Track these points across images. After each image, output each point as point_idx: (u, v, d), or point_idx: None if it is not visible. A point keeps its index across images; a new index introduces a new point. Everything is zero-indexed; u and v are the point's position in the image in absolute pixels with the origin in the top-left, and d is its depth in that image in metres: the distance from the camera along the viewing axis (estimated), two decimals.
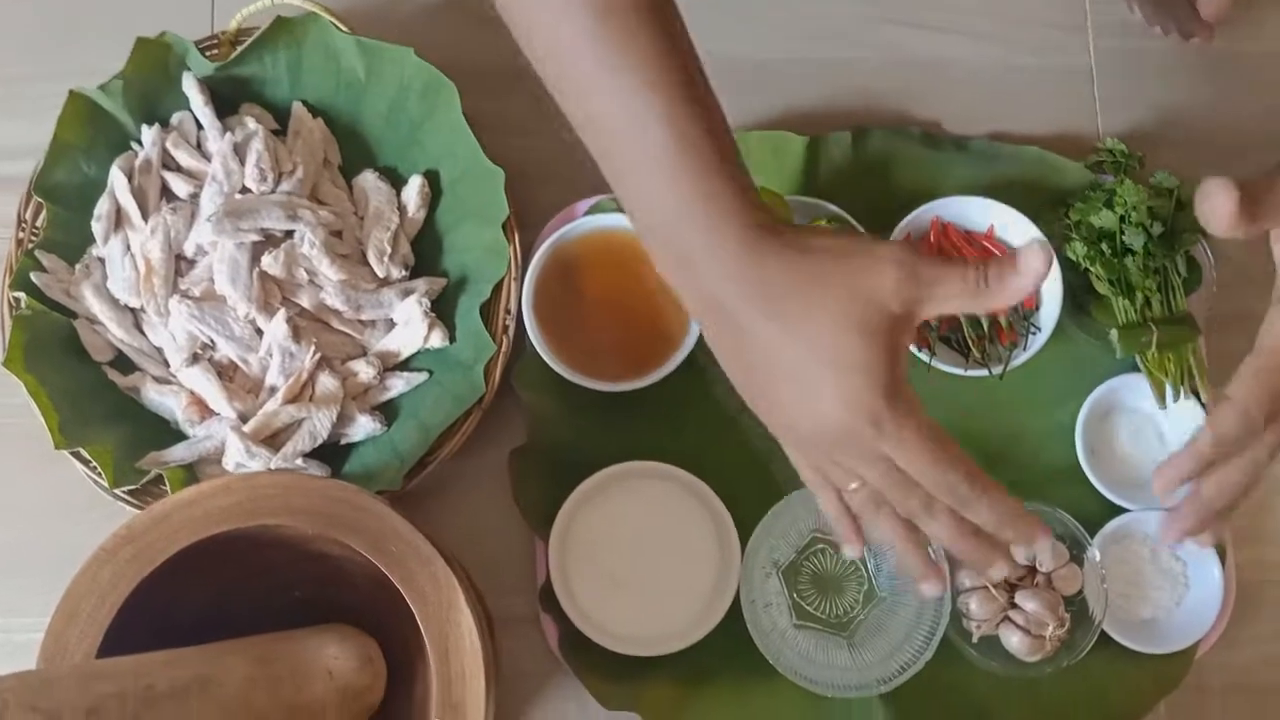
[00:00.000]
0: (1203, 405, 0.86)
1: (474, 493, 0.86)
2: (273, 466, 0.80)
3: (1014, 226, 0.87)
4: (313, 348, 0.82)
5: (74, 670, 0.59)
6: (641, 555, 0.83)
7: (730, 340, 0.53)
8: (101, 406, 0.83)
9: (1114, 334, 0.84)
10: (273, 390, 0.82)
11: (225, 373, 0.84)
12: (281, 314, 0.82)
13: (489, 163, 0.84)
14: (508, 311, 0.84)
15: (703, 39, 0.94)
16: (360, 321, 0.85)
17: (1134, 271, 0.85)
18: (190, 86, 0.86)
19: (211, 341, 0.83)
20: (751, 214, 0.51)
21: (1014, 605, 0.81)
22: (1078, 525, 0.82)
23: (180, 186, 0.85)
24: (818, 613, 0.84)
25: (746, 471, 0.84)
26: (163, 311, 0.83)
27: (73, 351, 0.84)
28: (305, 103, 0.88)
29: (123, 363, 0.85)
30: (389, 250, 0.85)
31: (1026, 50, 0.96)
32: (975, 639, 0.82)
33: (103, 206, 0.85)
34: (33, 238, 0.85)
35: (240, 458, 0.80)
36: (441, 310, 0.85)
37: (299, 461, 0.81)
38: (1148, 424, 0.88)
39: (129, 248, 0.85)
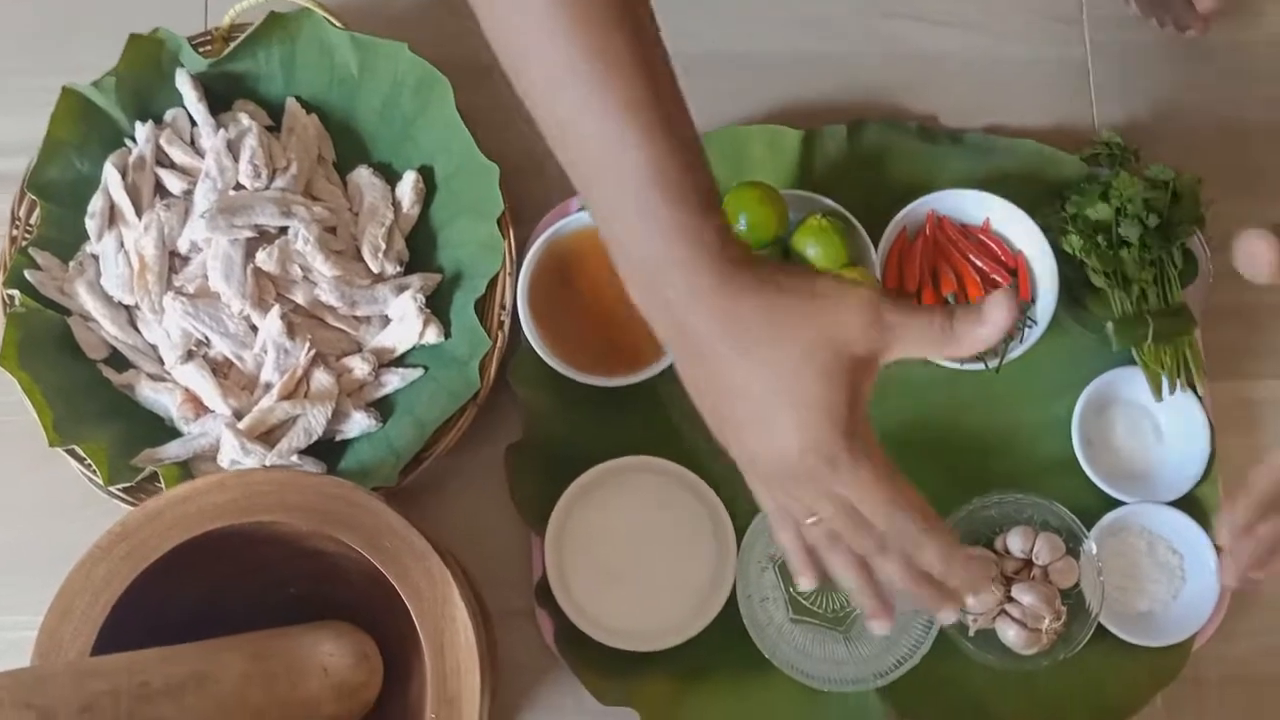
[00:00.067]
0: (1199, 397, 0.86)
1: (470, 489, 0.86)
2: (268, 463, 0.80)
3: (1010, 219, 0.87)
4: (307, 344, 0.82)
5: (68, 667, 0.59)
6: (637, 550, 0.83)
7: (699, 370, 0.54)
8: (96, 404, 0.83)
9: (1110, 326, 0.84)
10: (268, 387, 0.82)
11: (220, 369, 0.84)
12: (276, 310, 0.82)
13: (483, 158, 0.84)
14: (503, 307, 0.84)
15: (698, 33, 0.95)
16: (355, 318, 0.85)
17: (1130, 264, 0.85)
18: (184, 83, 0.86)
19: (206, 338, 0.83)
20: (726, 248, 0.51)
21: (1010, 599, 0.81)
22: (1074, 518, 0.82)
23: (174, 183, 0.85)
24: (814, 607, 0.84)
25: None
26: (157, 308, 0.83)
27: (67, 349, 0.84)
28: (299, 98, 0.88)
29: (117, 360, 0.85)
30: (384, 246, 0.85)
31: (1022, 43, 0.96)
32: (972, 632, 0.82)
33: (96, 203, 0.85)
34: (26, 235, 0.85)
35: (235, 454, 0.80)
36: (436, 306, 0.85)
37: (294, 458, 0.81)
38: (1144, 417, 0.88)
39: (123, 245, 0.84)
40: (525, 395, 0.85)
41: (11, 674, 0.53)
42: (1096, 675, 0.83)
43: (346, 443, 0.84)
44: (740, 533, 0.82)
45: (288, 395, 0.82)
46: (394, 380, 0.84)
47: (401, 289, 0.85)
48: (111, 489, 0.80)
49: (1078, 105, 0.95)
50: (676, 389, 0.84)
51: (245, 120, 0.86)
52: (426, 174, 0.87)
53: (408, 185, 0.87)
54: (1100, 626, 0.81)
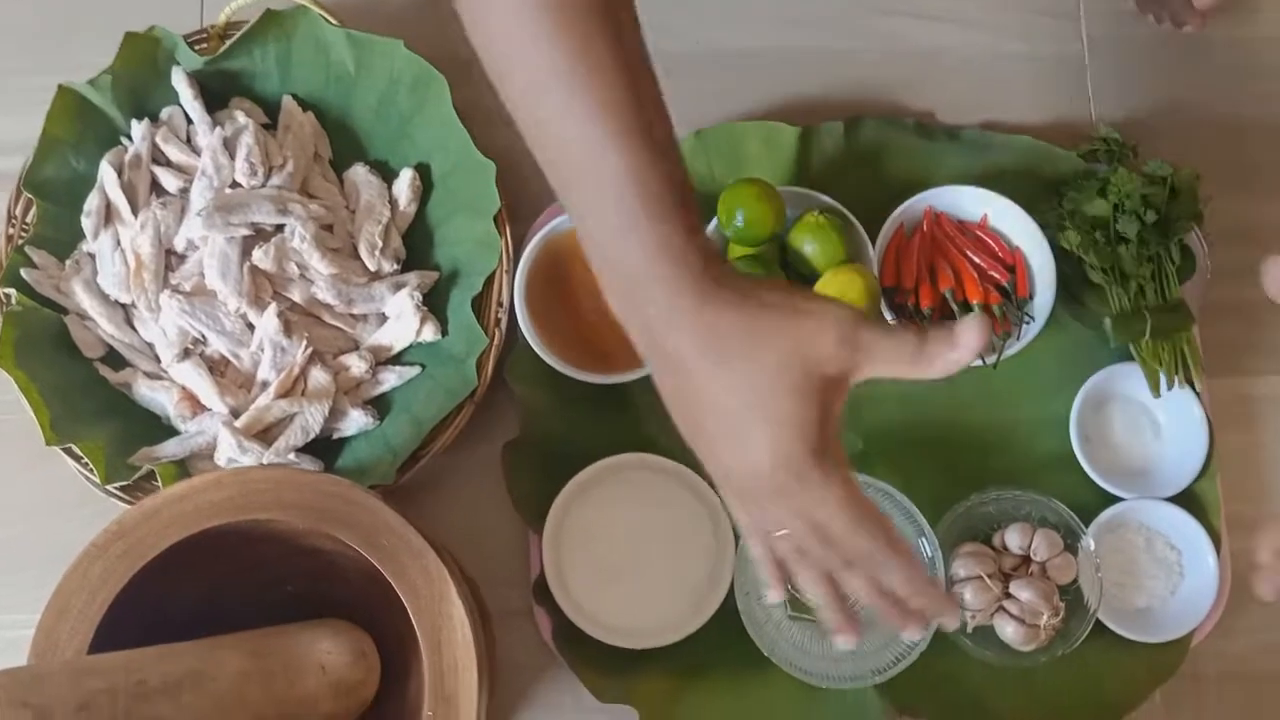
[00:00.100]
0: (1197, 394, 0.85)
1: (467, 486, 0.86)
2: (265, 461, 0.80)
3: (1007, 216, 0.87)
4: (304, 342, 0.82)
5: (65, 666, 0.59)
6: (635, 547, 0.83)
7: (675, 382, 0.54)
8: (93, 403, 0.83)
9: (1108, 323, 0.84)
10: (264, 385, 0.82)
11: (217, 368, 0.84)
12: (272, 308, 0.82)
13: (480, 155, 0.84)
14: (500, 304, 0.84)
15: (695, 29, 0.95)
16: (352, 315, 0.85)
17: (1128, 260, 0.85)
18: (179, 81, 0.86)
19: (202, 336, 0.83)
20: (708, 265, 0.52)
21: (1009, 595, 0.81)
22: (1072, 514, 0.82)
23: (170, 181, 0.85)
24: (812, 603, 0.84)
25: None
26: (153, 307, 0.83)
27: (64, 347, 0.84)
28: (295, 96, 0.88)
29: (114, 358, 0.85)
30: (380, 244, 0.85)
31: (1019, 39, 0.96)
32: (970, 629, 0.81)
33: (92, 202, 0.85)
34: (23, 234, 0.85)
35: (232, 453, 0.80)
36: (433, 304, 0.85)
37: (291, 456, 0.81)
38: (1142, 413, 0.88)
39: (119, 243, 0.84)
40: (522, 393, 0.85)
41: (8, 673, 0.53)
42: (1095, 671, 0.83)
43: (344, 441, 0.84)
44: (738, 529, 0.82)
45: (285, 393, 0.82)
46: (391, 378, 0.84)
47: (398, 287, 0.84)
48: (109, 488, 0.80)
49: (1075, 101, 0.95)
50: None
51: (241, 118, 0.86)
52: (423, 171, 0.87)
53: (404, 183, 0.87)
54: (1098, 623, 0.81)
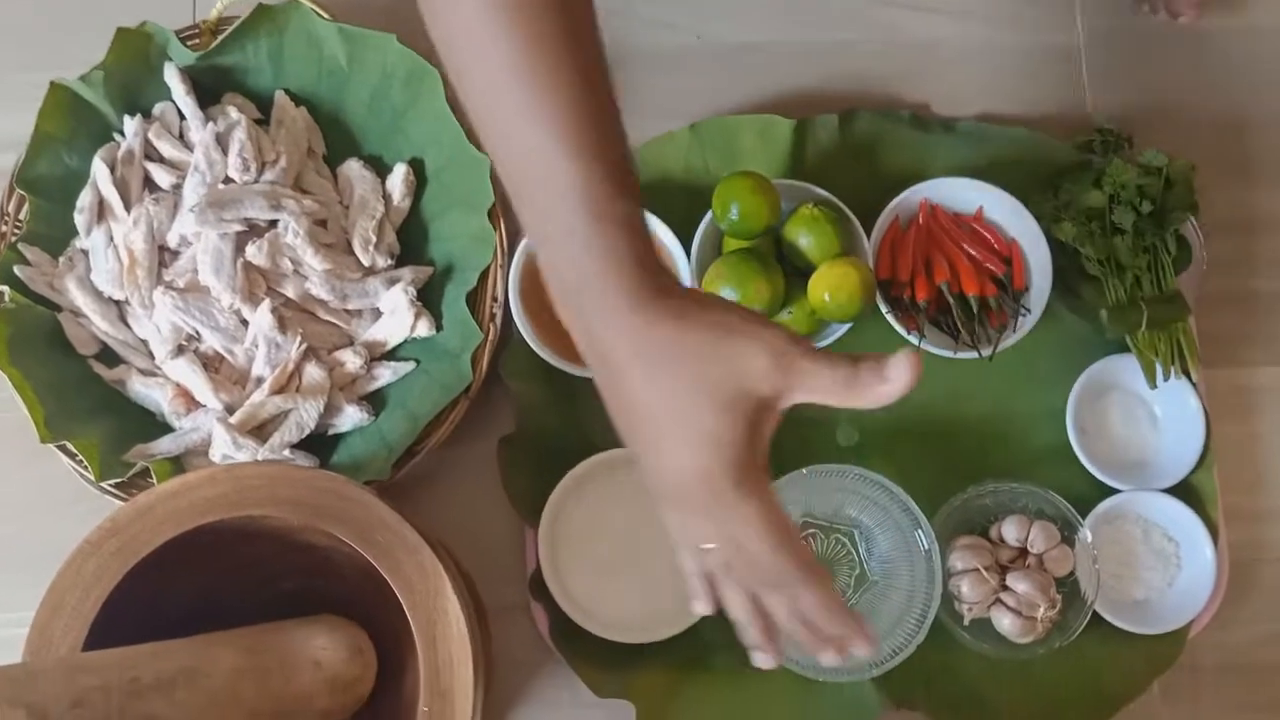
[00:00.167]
0: (1193, 384, 0.85)
1: (463, 482, 0.86)
2: (260, 458, 0.80)
3: (1003, 207, 0.87)
4: (299, 338, 0.82)
5: (59, 664, 0.58)
6: (631, 542, 0.83)
7: (613, 389, 0.55)
8: (87, 400, 0.82)
9: (1104, 314, 0.84)
10: (259, 381, 0.82)
11: (211, 364, 0.83)
12: (266, 304, 0.82)
13: (474, 150, 0.84)
14: (494, 299, 0.84)
15: (692, 22, 0.95)
16: (346, 311, 0.85)
17: (1123, 251, 0.85)
18: (172, 76, 0.86)
19: (196, 333, 0.83)
20: (646, 273, 0.52)
21: (1006, 587, 0.81)
22: (1069, 506, 0.82)
23: (163, 177, 0.85)
24: None
25: None
26: (147, 303, 0.83)
27: (57, 345, 0.83)
28: (288, 91, 0.88)
29: (108, 355, 0.85)
30: (374, 239, 0.85)
31: (1015, 30, 0.96)
32: (967, 621, 0.81)
33: (85, 198, 0.84)
34: (15, 231, 0.85)
35: (227, 449, 0.79)
36: (428, 299, 0.85)
37: (286, 452, 0.81)
38: (1139, 404, 0.88)
39: (112, 239, 0.84)
40: (517, 388, 0.85)
41: (2, 670, 0.53)
42: (1092, 663, 0.83)
43: (339, 437, 0.84)
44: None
45: (279, 389, 0.81)
46: (386, 374, 0.84)
47: (393, 282, 0.84)
48: (103, 485, 0.80)
49: (1071, 92, 0.95)
50: None
51: (234, 113, 0.85)
52: (417, 166, 0.87)
53: (398, 178, 0.86)
54: (1096, 614, 0.81)
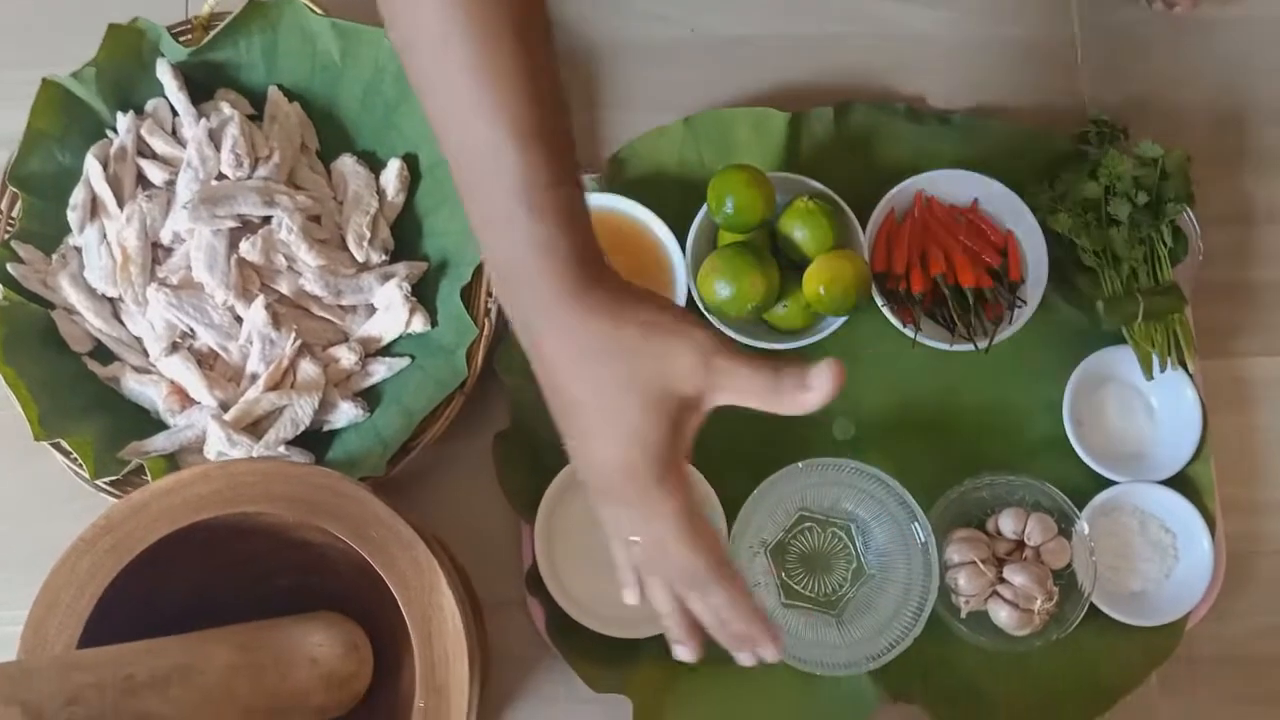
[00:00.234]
0: (1190, 376, 0.85)
1: (459, 478, 0.86)
2: (255, 454, 0.79)
3: (999, 199, 0.87)
4: (293, 334, 0.82)
5: (54, 661, 0.58)
6: None
7: (546, 379, 0.56)
8: (81, 397, 0.82)
9: (1100, 305, 0.84)
10: (254, 378, 0.82)
11: (205, 361, 0.83)
12: (260, 300, 0.81)
13: None
14: (489, 295, 0.84)
15: (685, 14, 0.94)
16: (341, 307, 0.85)
17: (1119, 242, 0.84)
18: (164, 72, 0.85)
19: (191, 330, 0.82)
20: (582, 266, 0.53)
21: (1002, 580, 0.81)
22: (1065, 499, 0.82)
23: (156, 174, 0.85)
24: (806, 591, 0.84)
25: (732, 451, 0.84)
26: (141, 300, 0.82)
27: (51, 342, 0.83)
28: (281, 87, 0.88)
29: (102, 353, 0.84)
30: (368, 235, 0.84)
31: (1010, 22, 0.96)
32: (964, 614, 0.81)
33: (78, 195, 0.84)
34: (8, 228, 0.85)
35: (222, 446, 0.79)
36: (422, 294, 0.85)
37: (281, 449, 0.81)
38: (1135, 396, 0.87)
39: (105, 236, 0.84)
40: (513, 383, 0.85)
41: None
42: (1090, 655, 0.83)
43: (334, 433, 0.84)
44: (730, 519, 0.81)
45: (274, 386, 0.81)
46: (381, 370, 0.84)
47: (387, 278, 0.84)
48: (98, 482, 0.80)
49: (1066, 84, 0.95)
50: None
51: (227, 109, 0.85)
52: (411, 162, 0.87)
53: (392, 173, 0.86)
54: (1093, 606, 0.81)
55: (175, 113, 0.86)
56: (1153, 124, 0.91)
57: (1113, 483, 0.84)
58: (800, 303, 0.83)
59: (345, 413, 0.82)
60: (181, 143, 0.85)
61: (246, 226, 0.83)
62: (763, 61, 0.94)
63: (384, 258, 0.85)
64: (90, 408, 0.82)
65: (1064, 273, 0.87)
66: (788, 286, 0.83)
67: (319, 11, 0.85)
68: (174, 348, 0.82)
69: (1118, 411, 0.87)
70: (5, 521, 0.85)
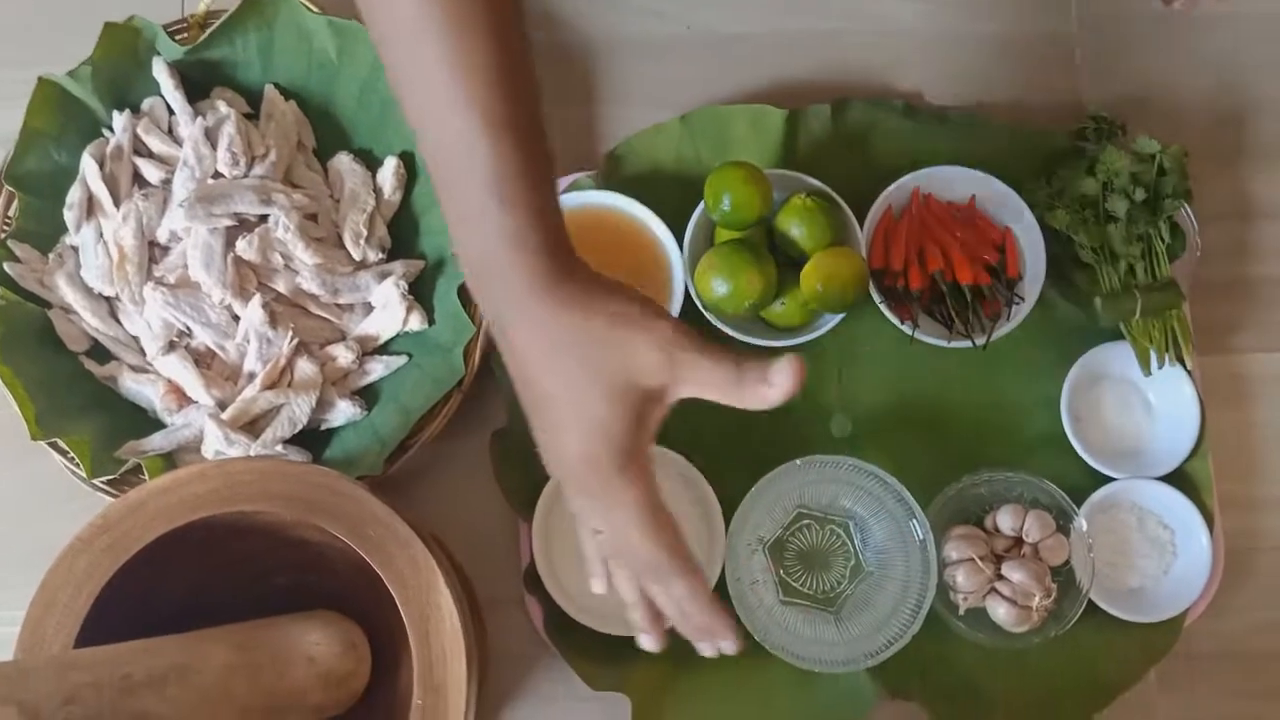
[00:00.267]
0: (1188, 372, 0.85)
1: (456, 476, 0.86)
2: (252, 453, 0.79)
3: (996, 196, 0.87)
4: (290, 333, 0.81)
5: (51, 661, 0.58)
6: None
7: (516, 370, 0.56)
8: (78, 397, 0.82)
9: (1098, 302, 0.84)
10: (251, 377, 0.82)
11: (203, 360, 0.83)
12: (257, 299, 0.81)
13: None
14: None
15: (681, 11, 0.94)
16: (338, 305, 0.85)
17: (1117, 239, 0.84)
18: (160, 71, 0.85)
19: (187, 329, 0.82)
20: (552, 259, 0.53)
21: (1001, 577, 0.81)
22: (1064, 495, 0.82)
23: (152, 172, 0.84)
24: (804, 589, 0.84)
25: (729, 448, 0.84)
26: (137, 299, 0.82)
27: (48, 342, 0.83)
28: (277, 85, 0.87)
29: (99, 352, 0.84)
30: (365, 233, 0.84)
31: (1008, 18, 0.96)
32: (962, 611, 0.81)
33: (74, 194, 0.84)
34: (5, 227, 0.84)
35: (219, 445, 0.79)
36: (420, 293, 0.85)
37: (279, 448, 0.80)
38: (1133, 392, 0.87)
39: (101, 235, 0.84)
40: (509, 381, 0.84)
41: None
42: (1088, 652, 0.83)
43: (331, 432, 0.84)
44: (728, 516, 0.81)
45: (271, 385, 0.81)
46: (378, 368, 0.83)
47: (384, 276, 0.84)
48: (95, 482, 0.80)
49: (1064, 80, 0.94)
50: None
51: (223, 108, 0.85)
52: (408, 160, 0.87)
53: (389, 171, 0.86)
54: (1091, 603, 0.81)
55: (171, 111, 0.86)
56: (1150, 120, 0.91)
57: (1111, 479, 0.84)
58: (798, 300, 0.83)
59: (343, 411, 0.82)
60: (178, 141, 0.85)
61: (243, 225, 0.83)
62: (760, 58, 0.94)
63: (381, 256, 0.85)
64: (87, 407, 0.82)
65: (1062, 269, 0.87)
66: (785, 284, 0.83)
67: (315, 9, 0.85)
68: (171, 347, 0.82)
69: (1116, 408, 0.87)
70: (2, 521, 0.85)
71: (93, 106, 0.85)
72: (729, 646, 0.59)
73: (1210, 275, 0.89)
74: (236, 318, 0.83)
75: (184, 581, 0.66)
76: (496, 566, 0.84)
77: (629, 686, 0.81)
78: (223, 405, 0.81)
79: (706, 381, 0.55)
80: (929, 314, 0.86)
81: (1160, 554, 0.85)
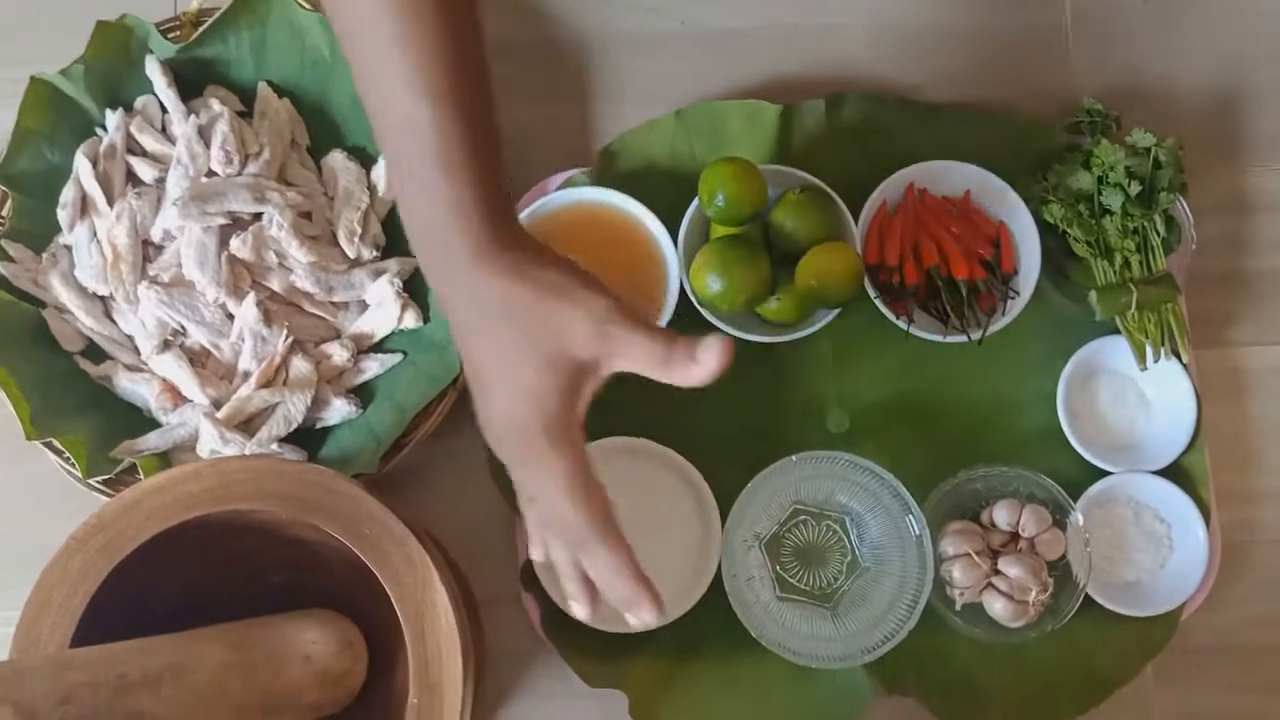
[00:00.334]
0: (1184, 365, 0.85)
1: (452, 474, 0.86)
2: (248, 452, 0.79)
3: (991, 190, 0.87)
4: (285, 331, 0.81)
5: (46, 661, 0.58)
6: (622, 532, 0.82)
7: (457, 337, 0.58)
8: (73, 396, 0.82)
9: (1093, 296, 0.84)
10: (246, 375, 0.82)
11: (197, 359, 0.83)
12: (252, 298, 0.81)
13: None
14: None
15: (677, 6, 0.94)
16: (332, 304, 0.85)
17: (1112, 232, 0.84)
18: (153, 69, 0.85)
19: (182, 328, 0.82)
20: (492, 227, 0.54)
21: (997, 571, 0.81)
22: (1060, 490, 0.82)
23: (145, 171, 0.84)
24: (801, 585, 0.84)
25: (726, 445, 0.84)
26: (132, 298, 0.82)
27: (43, 341, 0.83)
28: (271, 83, 0.87)
29: (94, 352, 0.84)
30: (359, 231, 0.84)
31: (1001, 12, 0.95)
32: (959, 606, 0.81)
33: (68, 194, 0.84)
34: None
35: (214, 444, 0.79)
36: (414, 290, 0.84)
37: (274, 446, 0.80)
38: (1129, 386, 0.87)
39: (95, 235, 0.84)
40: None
41: None
42: (1085, 646, 0.83)
43: (327, 430, 0.84)
44: (725, 513, 0.81)
45: (266, 383, 0.81)
46: (373, 366, 0.83)
47: (379, 274, 0.84)
48: (91, 482, 0.80)
49: (1058, 74, 0.94)
50: None
51: (216, 106, 0.85)
52: None
53: (383, 169, 0.86)
54: (1088, 597, 0.81)
55: (164, 110, 0.86)
56: (1145, 113, 0.91)
57: (1107, 473, 0.84)
58: (793, 295, 0.83)
59: (338, 409, 0.82)
60: (171, 140, 0.85)
61: (237, 223, 0.83)
62: (754, 53, 0.94)
63: (375, 254, 0.85)
64: (82, 407, 0.82)
65: (1057, 263, 0.87)
66: (780, 279, 0.83)
67: (308, 6, 0.85)
68: (165, 346, 0.82)
69: (1111, 402, 0.87)
70: None
71: (85, 105, 0.85)
72: (650, 618, 0.59)
73: (1206, 268, 0.89)
74: (231, 316, 0.82)
75: (179, 581, 0.66)
76: (493, 564, 0.84)
77: (626, 683, 0.81)
78: (218, 404, 0.81)
79: (637, 356, 0.55)
80: (924, 309, 0.86)
81: (1157, 548, 0.85)
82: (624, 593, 0.58)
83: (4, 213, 0.84)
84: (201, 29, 0.85)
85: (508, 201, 0.56)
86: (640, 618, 0.59)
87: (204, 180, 0.83)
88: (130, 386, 0.83)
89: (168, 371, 0.82)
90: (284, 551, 0.68)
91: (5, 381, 0.79)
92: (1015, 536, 0.83)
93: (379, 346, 0.85)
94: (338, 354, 0.82)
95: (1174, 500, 0.84)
